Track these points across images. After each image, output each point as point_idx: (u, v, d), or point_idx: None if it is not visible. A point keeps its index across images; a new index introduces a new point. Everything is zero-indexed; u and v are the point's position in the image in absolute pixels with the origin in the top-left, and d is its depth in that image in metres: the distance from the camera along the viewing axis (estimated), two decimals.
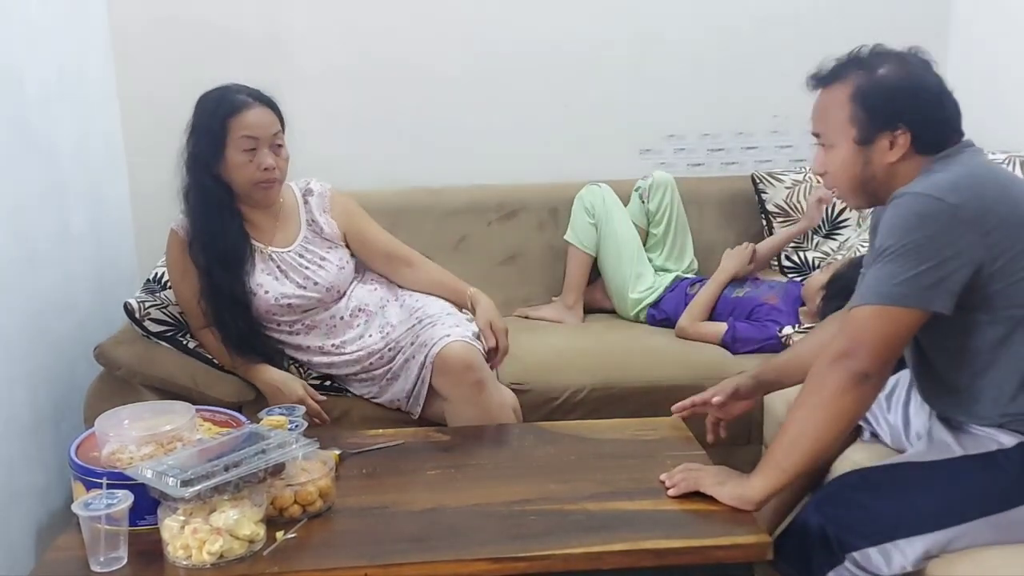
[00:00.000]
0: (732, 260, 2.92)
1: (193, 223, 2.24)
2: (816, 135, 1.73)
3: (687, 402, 2.02)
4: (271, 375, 2.28)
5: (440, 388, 2.23)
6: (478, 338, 2.26)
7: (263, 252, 2.30)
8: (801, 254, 3.09)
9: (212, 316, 2.25)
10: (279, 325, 2.32)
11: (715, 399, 1.96)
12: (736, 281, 2.90)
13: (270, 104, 2.24)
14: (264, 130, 2.20)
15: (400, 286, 2.44)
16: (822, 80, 1.72)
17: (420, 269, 2.43)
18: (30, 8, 2.40)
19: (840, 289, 2.37)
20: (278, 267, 2.30)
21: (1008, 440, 1.60)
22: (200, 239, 2.23)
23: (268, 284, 2.27)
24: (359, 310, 2.36)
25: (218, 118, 2.18)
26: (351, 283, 2.39)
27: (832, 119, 1.68)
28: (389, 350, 2.32)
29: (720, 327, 2.75)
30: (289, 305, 2.28)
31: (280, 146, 2.24)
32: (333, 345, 2.33)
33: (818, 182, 3.04)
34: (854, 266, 2.36)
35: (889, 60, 1.66)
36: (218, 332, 2.27)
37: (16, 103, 2.29)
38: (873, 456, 1.86)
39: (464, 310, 2.39)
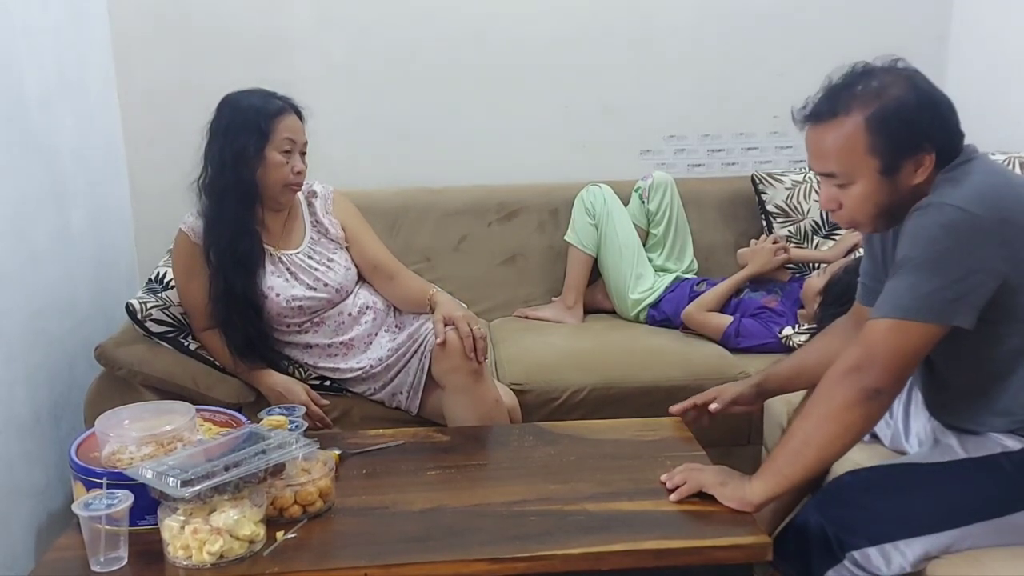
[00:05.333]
0: (758, 262, 2.92)
1: (216, 222, 2.22)
2: (827, 175, 1.60)
3: (688, 403, 2.00)
4: (274, 380, 2.29)
5: (438, 376, 2.24)
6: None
7: (273, 255, 2.30)
8: None
9: (220, 318, 2.25)
10: (288, 326, 2.32)
11: (712, 407, 1.94)
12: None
13: (301, 114, 2.28)
14: (300, 136, 2.26)
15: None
16: (819, 116, 1.59)
17: (398, 283, 2.40)
18: (30, 8, 2.40)
19: (837, 295, 2.38)
20: (288, 269, 2.30)
21: (1013, 444, 1.59)
22: (220, 240, 2.22)
23: (279, 287, 2.27)
24: (367, 307, 2.37)
25: (266, 117, 2.20)
26: (357, 283, 2.40)
27: (846, 155, 1.56)
28: (391, 355, 2.33)
29: (725, 319, 2.77)
30: (300, 307, 2.28)
31: (304, 154, 2.29)
32: (341, 343, 2.33)
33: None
34: (851, 271, 2.36)
35: (888, 79, 1.56)
36: (224, 335, 2.27)
37: (16, 103, 2.29)
38: (873, 457, 1.86)
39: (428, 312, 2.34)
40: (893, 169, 1.55)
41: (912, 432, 1.87)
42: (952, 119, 1.58)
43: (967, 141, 1.62)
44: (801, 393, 2.02)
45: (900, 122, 1.53)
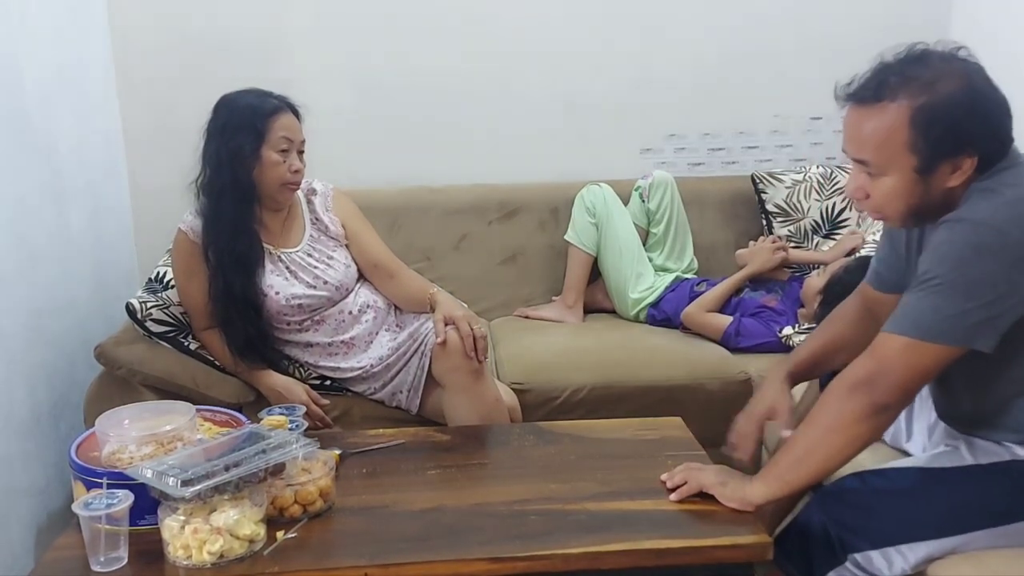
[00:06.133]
0: (757, 262, 2.93)
1: (215, 221, 2.22)
2: (860, 161, 1.52)
3: (749, 443, 1.80)
4: (274, 380, 2.29)
5: (438, 375, 2.24)
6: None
7: (272, 254, 2.30)
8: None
9: (220, 318, 2.25)
10: (288, 325, 2.32)
11: (786, 434, 1.76)
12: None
13: (298, 113, 2.28)
14: (297, 135, 2.25)
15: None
16: (863, 98, 1.49)
17: (398, 282, 2.40)
18: (30, 7, 2.40)
19: (838, 294, 2.37)
20: (287, 268, 2.30)
21: (1022, 451, 1.57)
22: (219, 240, 2.22)
23: (278, 285, 2.27)
24: (367, 306, 2.36)
25: (261, 117, 2.20)
26: (357, 281, 2.40)
27: (884, 146, 1.47)
28: (391, 354, 2.33)
29: (725, 319, 2.77)
30: (299, 305, 2.28)
31: (302, 153, 2.28)
32: (341, 342, 2.33)
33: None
34: (851, 271, 2.37)
35: (945, 71, 1.46)
36: (224, 334, 2.27)
37: (16, 102, 2.29)
38: (874, 455, 1.85)
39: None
40: (929, 169, 1.47)
41: (915, 431, 1.86)
42: (1004, 125, 1.49)
43: (1015, 147, 1.53)
44: (801, 392, 2.02)
45: (947, 123, 1.44)
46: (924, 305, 1.46)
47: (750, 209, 3.18)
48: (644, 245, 3.05)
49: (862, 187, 1.54)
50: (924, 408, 1.83)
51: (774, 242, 2.98)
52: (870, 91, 1.49)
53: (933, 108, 1.44)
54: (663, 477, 1.73)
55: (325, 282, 2.31)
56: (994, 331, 1.44)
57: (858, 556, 1.57)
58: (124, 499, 1.51)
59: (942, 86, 1.45)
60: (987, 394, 1.59)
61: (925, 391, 1.80)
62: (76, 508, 1.51)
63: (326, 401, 2.32)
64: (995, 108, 1.49)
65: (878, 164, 1.50)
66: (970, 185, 1.49)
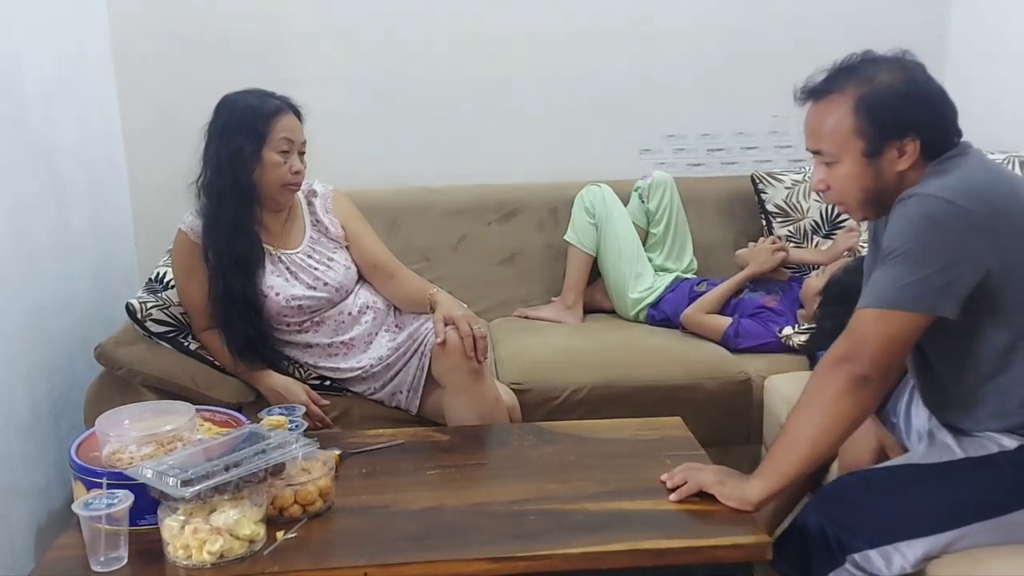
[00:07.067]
0: (757, 262, 2.93)
1: (215, 222, 2.22)
2: (816, 152, 1.66)
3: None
4: (274, 380, 2.29)
5: (438, 375, 2.25)
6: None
7: (272, 254, 2.30)
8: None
9: (220, 318, 2.25)
10: (288, 326, 2.32)
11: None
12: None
13: (299, 114, 2.28)
14: (298, 136, 2.25)
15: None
16: (815, 93, 1.65)
17: (398, 283, 2.40)
18: (30, 8, 2.40)
19: (837, 295, 2.38)
20: (287, 269, 2.30)
21: (1010, 442, 1.59)
22: (219, 241, 2.22)
23: (278, 286, 2.27)
24: (367, 307, 2.37)
25: (262, 118, 2.20)
26: (357, 283, 2.40)
27: (834, 134, 1.61)
28: (391, 354, 2.33)
29: (724, 320, 2.77)
30: (299, 306, 2.28)
31: (303, 153, 2.28)
32: (341, 342, 2.33)
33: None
34: (850, 272, 2.37)
35: (886, 66, 1.61)
36: (224, 335, 2.27)
37: (16, 102, 2.29)
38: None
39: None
40: (876, 152, 1.59)
41: (913, 429, 1.87)
42: (944, 113, 1.61)
43: (965, 140, 1.63)
44: (800, 392, 2.02)
45: (886, 107, 1.58)
46: (887, 277, 1.54)
47: (749, 209, 3.18)
48: (644, 245, 3.05)
49: (823, 179, 1.67)
50: (922, 409, 1.84)
51: (774, 243, 2.99)
52: (821, 86, 1.65)
53: (874, 95, 1.59)
54: (663, 477, 1.74)
55: (325, 283, 2.31)
56: (954, 297, 1.52)
57: (857, 556, 1.58)
58: (124, 499, 1.52)
59: (882, 77, 1.60)
60: (964, 377, 1.62)
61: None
62: (76, 508, 1.51)
63: (326, 401, 2.32)
64: (934, 96, 1.61)
65: (831, 152, 1.63)
66: (923, 170, 1.59)
